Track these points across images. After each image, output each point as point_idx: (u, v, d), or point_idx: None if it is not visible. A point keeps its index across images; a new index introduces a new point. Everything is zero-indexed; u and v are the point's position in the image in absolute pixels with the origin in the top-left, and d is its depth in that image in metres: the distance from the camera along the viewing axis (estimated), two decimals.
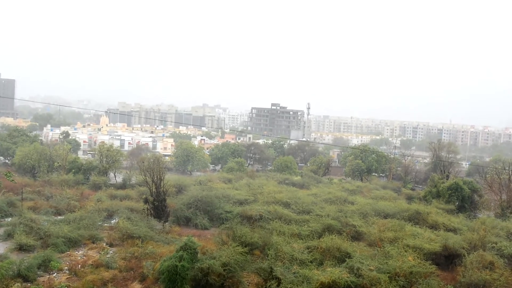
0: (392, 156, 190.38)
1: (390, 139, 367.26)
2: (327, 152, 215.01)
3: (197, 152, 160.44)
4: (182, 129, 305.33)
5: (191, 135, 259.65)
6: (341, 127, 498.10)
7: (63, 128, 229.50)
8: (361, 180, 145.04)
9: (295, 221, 77.84)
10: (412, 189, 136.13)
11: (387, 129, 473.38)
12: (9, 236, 68.33)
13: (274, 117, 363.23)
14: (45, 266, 56.76)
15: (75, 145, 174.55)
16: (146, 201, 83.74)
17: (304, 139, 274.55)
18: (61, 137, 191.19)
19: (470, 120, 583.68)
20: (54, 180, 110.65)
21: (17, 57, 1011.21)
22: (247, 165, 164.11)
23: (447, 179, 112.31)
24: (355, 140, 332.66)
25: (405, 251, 58.10)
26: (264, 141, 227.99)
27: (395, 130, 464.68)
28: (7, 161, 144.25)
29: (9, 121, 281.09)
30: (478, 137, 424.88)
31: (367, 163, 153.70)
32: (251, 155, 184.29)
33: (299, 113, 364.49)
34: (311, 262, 54.10)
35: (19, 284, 50.60)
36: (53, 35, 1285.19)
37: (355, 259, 52.54)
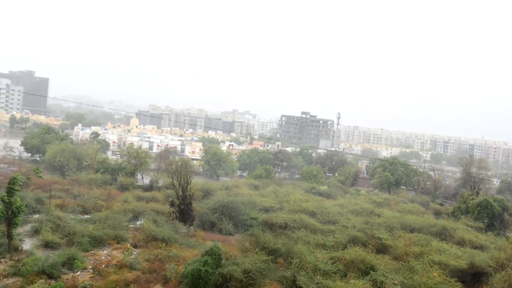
0: (421, 169, 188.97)
1: (420, 152, 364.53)
2: (355, 163, 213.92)
3: (225, 157, 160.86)
4: (211, 134, 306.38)
5: (220, 140, 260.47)
6: (370, 138, 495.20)
7: (93, 128, 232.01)
8: (389, 192, 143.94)
9: (320, 231, 77.47)
10: (441, 204, 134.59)
11: (418, 142, 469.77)
12: (35, 232, 69.12)
13: (304, 126, 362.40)
14: (70, 264, 57.22)
15: (105, 145, 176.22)
16: (172, 204, 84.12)
17: (333, 148, 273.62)
18: (91, 136, 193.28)
19: (503, 136, 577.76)
20: (82, 179, 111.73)
21: (50, 57, 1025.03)
22: (275, 172, 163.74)
23: (477, 196, 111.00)
24: (385, 152, 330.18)
25: (431, 267, 57.67)
26: (292, 149, 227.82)
27: (426, 143, 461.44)
28: (37, 158, 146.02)
29: (41, 119, 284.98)
30: (511, 154, 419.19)
31: (396, 175, 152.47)
32: (278, 162, 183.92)
33: (328, 122, 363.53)
34: (334, 273, 53.76)
35: (43, 280, 51.11)
36: (83, 37, 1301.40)
37: (379, 272, 52.26)
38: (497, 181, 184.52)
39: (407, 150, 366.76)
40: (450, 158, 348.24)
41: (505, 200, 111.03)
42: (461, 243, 76.84)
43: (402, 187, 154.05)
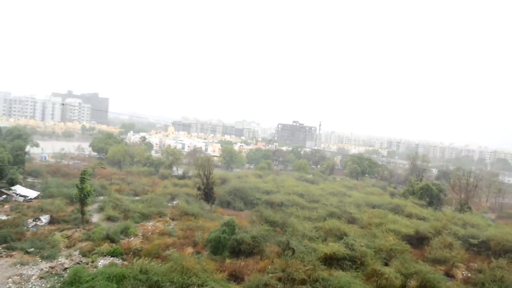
0: (380, 163, 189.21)
1: (379, 150, 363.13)
2: (332, 158, 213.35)
3: (237, 155, 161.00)
4: (227, 137, 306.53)
5: (233, 142, 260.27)
6: (343, 140, 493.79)
7: (141, 134, 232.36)
8: (357, 179, 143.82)
9: (307, 207, 77.79)
10: (394, 188, 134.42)
11: (378, 142, 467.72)
12: (101, 209, 69.50)
13: (294, 131, 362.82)
14: (126, 232, 57.54)
15: (149, 146, 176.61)
16: (199, 188, 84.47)
17: (315, 148, 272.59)
18: (140, 140, 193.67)
19: (440, 137, 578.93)
20: (133, 171, 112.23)
21: (109, 81, 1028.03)
22: (274, 165, 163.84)
23: (420, 181, 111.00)
24: (354, 150, 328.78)
25: (387, 233, 57.96)
26: (286, 148, 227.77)
27: (384, 143, 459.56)
28: (101, 156, 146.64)
29: (104, 127, 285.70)
30: (445, 151, 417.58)
31: (362, 167, 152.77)
32: (276, 158, 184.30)
33: (312, 128, 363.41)
34: (317, 238, 54.05)
35: (107, 244, 51.43)
36: (134, 64, 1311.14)
37: (350, 237, 52.41)
38: (435, 171, 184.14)
39: (370, 149, 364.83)
40: (401, 154, 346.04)
41: (441, 184, 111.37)
42: (409, 216, 77.06)
43: (366, 175, 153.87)
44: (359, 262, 45.52)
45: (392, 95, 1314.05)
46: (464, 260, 53.81)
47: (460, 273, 50.50)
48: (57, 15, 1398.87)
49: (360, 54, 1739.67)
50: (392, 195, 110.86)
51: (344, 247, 47.98)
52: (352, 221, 69.63)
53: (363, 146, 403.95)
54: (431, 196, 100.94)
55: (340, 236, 55.32)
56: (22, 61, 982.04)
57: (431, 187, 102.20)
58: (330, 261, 45.79)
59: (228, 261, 45.88)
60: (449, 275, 49.43)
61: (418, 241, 61.97)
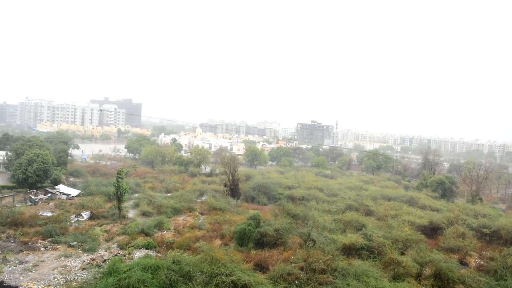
0: (394, 158, 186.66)
1: (393, 146, 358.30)
2: (349, 154, 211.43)
3: (260, 153, 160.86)
4: (250, 137, 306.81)
5: (256, 141, 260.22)
6: (359, 137, 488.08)
7: (172, 136, 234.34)
8: (373, 174, 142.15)
9: (326, 201, 77.14)
10: (408, 181, 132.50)
11: (392, 139, 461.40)
12: (136, 206, 70.22)
13: (313, 130, 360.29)
14: (159, 226, 58.05)
15: (179, 147, 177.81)
16: (225, 185, 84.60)
17: (333, 145, 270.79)
18: (170, 141, 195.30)
19: (451, 132, 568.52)
20: (165, 170, 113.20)
21: (142, 88, 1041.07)
22: (294, 162, 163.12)
23: (433, 175, 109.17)
24: (369, 147, 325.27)
25: (403, 224, 57.15)
26: (306, 146, 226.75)
27: (397, 139, 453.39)
28: (136, 156, 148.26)
29: (138, 130, 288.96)
30: (456, 145, 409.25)
31: (377, 162, 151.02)
32: (296, 155, 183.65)
33: (330, 127, 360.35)
34: (337, 230, 53.56)
35: (142, 237, 51.96)
36: (163, 72, 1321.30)
37: (368, 228, 51.87)
38: (447, 165, 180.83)
39: (384, 145, 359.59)
40: (414, 149, 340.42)
41: (453, 177, 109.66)
42: (423, 207, 76.02)
43: (381, 170, 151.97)
44: (376, 252, 44.95)
45: (404, 92, 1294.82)
46: (477, 249, 52.72)
47: (473, 261, 49.52)
48: (91, 29, 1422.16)
49: (374, 54, 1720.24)
50: (406, 188, 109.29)
51: (362, 238, 47.52)
52: (369, 213, 68.83)
53: (378, 143, 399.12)
54: (443, 189, 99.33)
55: (358, 228, 54.86)
56: (64, 71, 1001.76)
57: (443, 180, 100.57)
58: (349, 251, 45.38)
59: (253, 252, 45.82)
60: (462, 263, 48.63)
61: (432, 231, 61.02)
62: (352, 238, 46.83)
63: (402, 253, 45.34)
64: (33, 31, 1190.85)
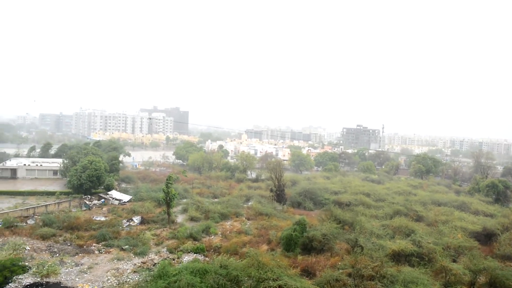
0: (444, 161, 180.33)
1: (443, 149, 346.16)
2: (396, 159, 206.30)
3: (305, 158, 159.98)
4: (295, 143, 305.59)
5: (301, 147, 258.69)
6: (406, 141, 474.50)
7: (218, 142, 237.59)
8: (422, 178, 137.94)
9: (374, 206, 75.82)
10: (459, 186, 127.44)
11: (441, 142, 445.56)
12: (184, 211, 71.78)
13: (359, 134, 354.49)
14: (207, 231, 59.01)
15: (226, 153, 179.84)
16: (271, 190, 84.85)
17: (380, 149, 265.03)
18: (217, 147, 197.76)
19: (504, 134, 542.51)
20: (212, 176, 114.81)
21: (189, 96, 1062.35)
22: (340, 167, 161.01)
23: (486, 179, 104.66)
24: (417, 150, 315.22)
25: (454, 230, 55.27)
26: (351, 150, 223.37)
27: (447, 142, 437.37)
28: (184, 163, 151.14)
29: (185, 137, 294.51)
30: (510, 148, 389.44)
31: (426, 166, 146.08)
32: (342, 160, 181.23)
33: (376, 131, 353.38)
34: (385, 235, 52.44)
35: (191, 242, 53.00)
36: (211, 81, 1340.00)
37: (417, 234, 50.43)
38: (500, 168, 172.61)
39: (433, 148, 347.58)
40: (465, 152, 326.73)
41: (507, 181, 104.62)
42: (475, 213, 73.12)
43: (431, 174, 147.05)
44: (427, 259, 43.64)
45: (455, 93, 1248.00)
46: None
47: None
48: (142, 42, 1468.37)
49: (422, 55, 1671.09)
50: (458, 193, 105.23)
51: (412, 244, 46.24)
52: (418, 219, 66.91)
53: (426, 146, 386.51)
54: (497, 193, 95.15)
55: (407, 233, 53.46)
56: (115, 82, 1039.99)
57: (497, 184, 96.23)
58: (398, 257, 44.30)
59: (300, 257, 45.67)
60: None
61: (485, 237, 58.52)
62: (401, 244, 45.69)
63: (454, 261, 43.78)
64: (87, 45, 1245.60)
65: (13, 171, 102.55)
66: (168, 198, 63.14)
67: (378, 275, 37.42)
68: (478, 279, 39.53)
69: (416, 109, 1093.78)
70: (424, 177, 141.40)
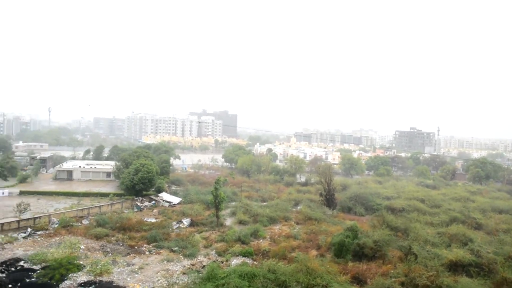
0: (506, 166, 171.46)
1: (504, 153, 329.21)
2: (453, 163, 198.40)
3: (356, 162, 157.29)
4: (345, 146, 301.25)
5: (352, 150, 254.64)
6: (464, 144, 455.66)
7: (267, 145, 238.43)
8: (480, 184, 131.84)
9: (428, 213, 73.17)
10: None
11: (502, 145, 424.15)
12: (233, 214, 72.36)
13: (412, 137, 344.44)
14: (255, 235, 59.10)
15: (274, 156, 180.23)
16: (320, 194, 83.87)
17: (435, 153, 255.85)
18: (265, 151, 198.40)
19: None
20: (261, 179, 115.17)
21: (238, 100, 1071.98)
22: (393, 171, 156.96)
23: None
24: (475, 154, 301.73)
25: None
26: (405, 154, 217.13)
27: (508, 146, 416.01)
28: (232, 166, 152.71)
29: (234, 140, 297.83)
30: None
31: (486, 171, 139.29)
32: (395, 164, 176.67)
33: (430, 134, 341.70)
34: (441, 244, 50.38)
35: (239, 245, 53.28)
36: (257, 85, 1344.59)
37: (476, 243, 48.11)
38: None
39: (493, 152, 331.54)
40: None
41: None
42: None
43: (491, 180, 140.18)
44: (486, 270, 41.40)
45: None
46: None
47: None
48: (190, 47, 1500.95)
49: (477, 55, 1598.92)
50: None
51: (470, 254, 44.10)
52: (477, 227, 63.89)
53: (485, 150, 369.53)
54: None
55: (464, 242, 51.05)
56: (165, 87, 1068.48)
57: None
58: (455, 267, 42.35)
59: (350, 264, 44.72)
60: None
61: None
62: (458, 253, 43.67)
63: None
64: (140, 51, 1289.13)
65: (69, 173, 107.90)
66: (217, 201, 63.92)
67: (433, 285, 35.98)
68: None
69: (474, 110, 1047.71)
70: (484, 182, 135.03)
